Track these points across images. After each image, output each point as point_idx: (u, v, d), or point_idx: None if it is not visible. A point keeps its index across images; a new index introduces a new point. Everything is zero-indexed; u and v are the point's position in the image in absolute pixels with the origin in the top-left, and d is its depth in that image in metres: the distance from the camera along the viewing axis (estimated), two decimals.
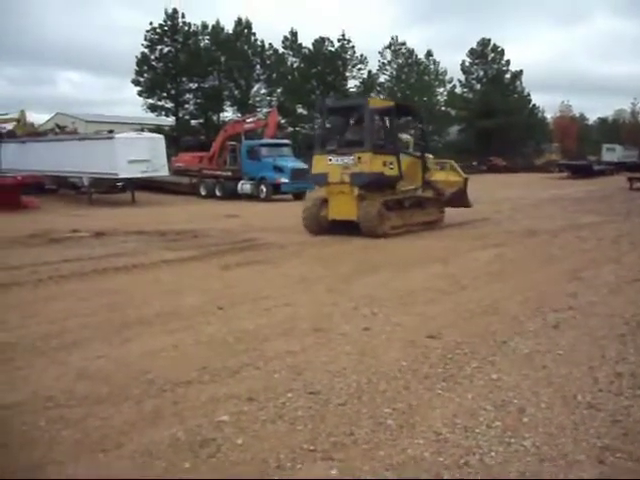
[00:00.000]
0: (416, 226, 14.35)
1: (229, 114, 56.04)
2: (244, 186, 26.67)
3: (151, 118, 55.32)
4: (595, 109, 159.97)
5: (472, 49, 69.42)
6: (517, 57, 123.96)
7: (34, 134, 33.44)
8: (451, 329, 6.02)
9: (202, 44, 55.56)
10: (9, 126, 35.47)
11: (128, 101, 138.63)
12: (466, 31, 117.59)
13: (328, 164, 13.65)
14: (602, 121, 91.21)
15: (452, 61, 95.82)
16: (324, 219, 13.95)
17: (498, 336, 5.79)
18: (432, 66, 68.52)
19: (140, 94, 53.98)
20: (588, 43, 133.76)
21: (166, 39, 53.72)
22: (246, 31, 56.89)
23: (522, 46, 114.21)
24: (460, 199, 16.03)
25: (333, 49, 60.27)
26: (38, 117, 52.11)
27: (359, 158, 13.18)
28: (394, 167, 13.70)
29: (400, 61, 66.79)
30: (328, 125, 15.55)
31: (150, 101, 54.23)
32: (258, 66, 57.82)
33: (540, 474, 3.27)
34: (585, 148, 68.37)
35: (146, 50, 53.36)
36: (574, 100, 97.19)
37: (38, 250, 11.70)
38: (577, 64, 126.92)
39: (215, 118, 56.28)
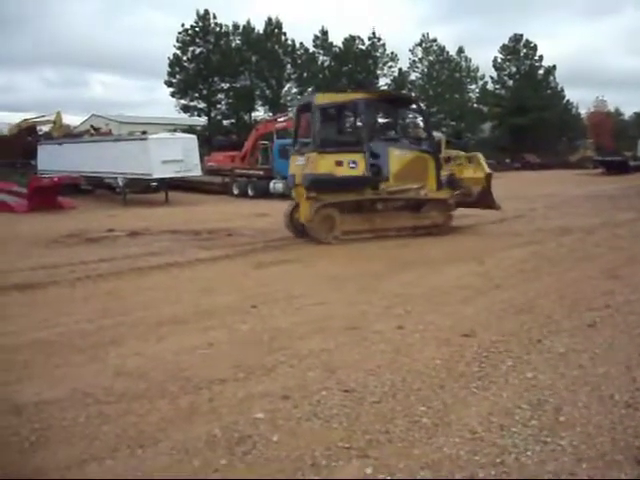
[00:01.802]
0: (397, 231, 12.94)
1: (261, 113, 56.42)
2: (276, 185, 26.72)
3: (184, 118, 55.95)
4: (631, 103, 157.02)
5: (504, 45, 68.64)
6: (549, 52, 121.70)
7: (70, 136, 34.00)
8: (485, 328, 5.98)
9: (233, 44, 55.91)
10: (45, 128, 36.20)
11: (161, 102, 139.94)
12: (497, 27, 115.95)
13: (295, 165, 13.24)
14: (638, 116, 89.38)
15: (483, 57, 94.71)
16: (297, 221, 13.26)
17: (533, 335, 5.73)
18: (463, 63, 68.01)
19: (173, 95, 54.67)
20: (622, 36, 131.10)
21: (198, 40, 54.20)
22: (276, 31, 57.09)
23: (554, 41, 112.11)
24: (485, 199, 14.40)
25: (364, 47, 60.22)
26: (72, 119, 52.92)
27: (308, 158, 12.58)
28: (357, 166, 12.56)
29: (431, 58, 66.38)
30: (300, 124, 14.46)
31: (183, 102, 54.87)
32: (289, 65, 58.03)
33: (577, 474, 3.24)
34: (621, 144, 67.13)
35: (178, 51, 53.97)
36: (609, 95, 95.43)
37: (75, 249, 11.90)
38: (611, 58, 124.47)
39: (247, 118, 56.65)
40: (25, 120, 36.65)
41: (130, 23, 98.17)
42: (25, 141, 34.09)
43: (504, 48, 68.67)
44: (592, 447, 3.52)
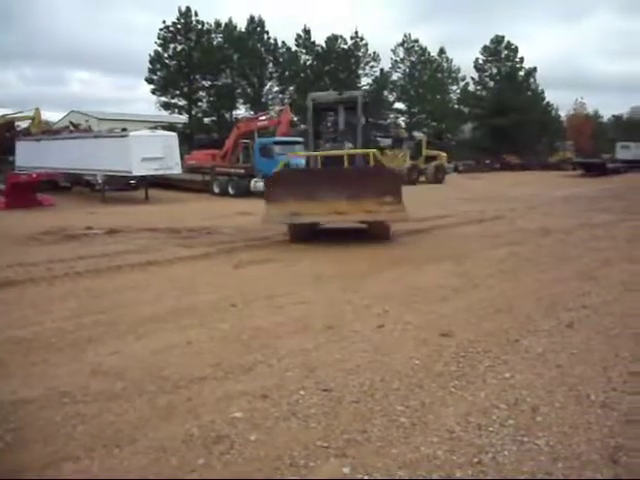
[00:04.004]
0: None
1: (242, 112, 56.37)
2: (257, 184, 26.61)
3: (164, 116, 55.69)
4: (610, 106, 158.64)
5: (485, 46, 69.09)
6: (530, 54, 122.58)
7: (49, 132, 33.66)
8: (464, 327, 6.01)
9: (215, 42, 55.70)
10: (24, 124, 35.80)
11: (140, 100, 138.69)
12: (478, 28, 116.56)
13: None
14: (617, 118, 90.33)
15: (465, 59, 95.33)
16: None
17: (511, 335, 5.78)
18: (445, 64, 68.35)
19: (153, 92, 54.37)
20: (600, 39, 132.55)
21: (179, 37, 53.99)
22: (259, 29, 57.04)
23: (534, 43, 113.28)
24: None
25: (346, 47, 60.27)
26: (50, 115, 52.52)
27: None
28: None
29: (413, 59, 66.62)
30: None
31: (163, 99, 54.65)
32: (271, 64, 58.01)
33: (554, 474, 3.27)
34: (600, 146, 67.81)
35: (159, 48, 53.70)
36: (588, 97, 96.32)
37: (53, 247, 11.79)
38: (590, 61, 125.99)
39: (228, 116, 56.53)
40: (3, 116, 36.22)
41: (109, 20, 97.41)
42: (3, 137, 33.70)
43: (485, 49, 69.11)
44: (568, 447, 3.55)
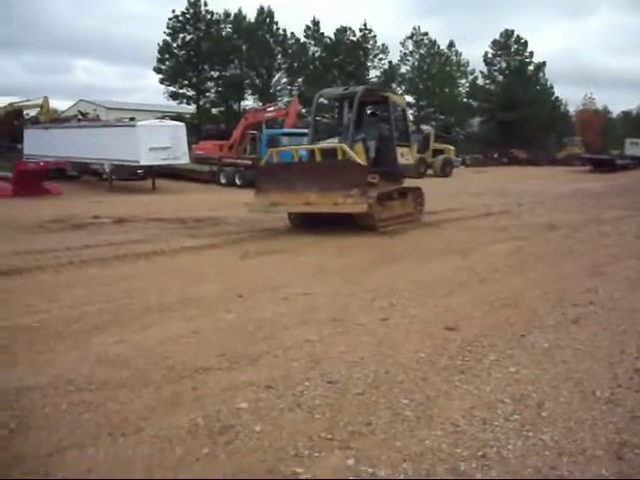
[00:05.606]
0: None
1: (250, 103, 56.48)
2: None
3: (172, 106, 55.75)
4: (619, 101, 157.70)
5: (495, 40, 68.82)
6: (540, 49, 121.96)
7: (57, 120, 33.73)
8: (469, 322, 6.00)
9: (224, 32, 55.66)
10: (32, 112, 35.89)
11: (147, 89, 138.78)
12: (488, 22, 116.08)
13: None
14: (626, 114, 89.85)
15: (474, 52, 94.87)
16: None
17: (517, 329, 5.76)
18: (454, 57, 68.07)
19: (162, 82, 54.40)
20: (611, 36, 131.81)
21: (188, 27, 54.00)
22: (268, 20, 56.98)
23: (544, 38, 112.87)
24: None
25: (354, 39, 60.08)
26: (59, 104, 52.65)
27: None
28: None
29: (422, 52, 66.36)
30: None
31: (172, 89, 54.70)
32: (279, 55, 57.96)
33: (558, 468, 3.26)
34: (609, 142, 67.46)
35: (168, 38, 53.73)
36: (598, 93, 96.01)
37: (60, 235, 11.82)
38: (600, 57, 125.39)
39: (236, 106, 56.60)
40: (12, 104, 36.30)
41: (117, 9, 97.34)
42: (11, 125, 33.81)
43: (495, 43, 68.81)
44: (573, 442, 3.54)
